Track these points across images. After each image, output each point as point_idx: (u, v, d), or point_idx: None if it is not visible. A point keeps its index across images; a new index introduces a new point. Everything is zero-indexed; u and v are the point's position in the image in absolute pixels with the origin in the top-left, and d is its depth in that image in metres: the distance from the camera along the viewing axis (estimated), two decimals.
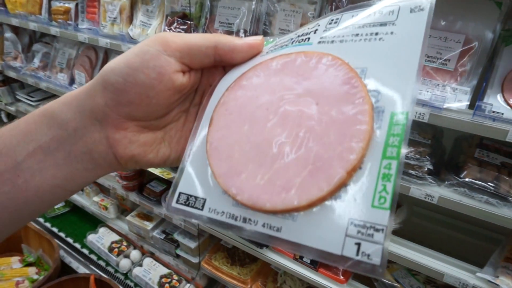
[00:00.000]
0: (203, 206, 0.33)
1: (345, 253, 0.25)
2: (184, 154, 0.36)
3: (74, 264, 1.97)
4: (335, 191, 0.26)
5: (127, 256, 1.95)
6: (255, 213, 0.30)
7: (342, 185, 0.26)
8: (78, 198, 2.23)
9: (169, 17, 1.35)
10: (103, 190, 2.21)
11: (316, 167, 0.27)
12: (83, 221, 2.25)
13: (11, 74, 2.07)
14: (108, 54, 1.76)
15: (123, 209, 2.15)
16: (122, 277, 1.89)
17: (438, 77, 0.90)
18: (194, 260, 1.69)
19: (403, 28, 0.30)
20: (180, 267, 1.81)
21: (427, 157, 0.95)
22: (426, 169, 0.96)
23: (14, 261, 2.07)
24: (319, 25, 0.36)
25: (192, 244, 1.66)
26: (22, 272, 2.00)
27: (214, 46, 0.35)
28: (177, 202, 0.34)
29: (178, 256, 1.79)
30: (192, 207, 0.33)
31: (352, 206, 0.26)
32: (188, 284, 1.75)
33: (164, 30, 1.35)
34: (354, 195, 0.26)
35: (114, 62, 0.33)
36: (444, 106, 0.87)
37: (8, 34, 2.00)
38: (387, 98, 0.28)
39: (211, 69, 0.40)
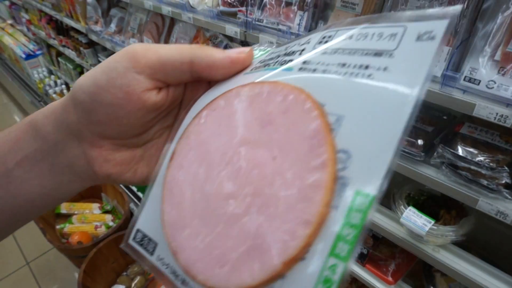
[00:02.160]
0: (153, 251, 0.30)
1: None
2: (150, 183, 0.32)
3: None
4: (268, 282, 0.22)
5: None
6: (190, 279, 0.26)
7: (277, 277, 0.22)
8: None
9: None
10: None
11: (255, 244, 0.23)
12: None
13: (93, 37, 2.21)
14: (174, 21, 1.76)
15: None
16: None
17: None
18: None
19: (400, 63, 0.22)
20: None
21: (506, 167, 0.78)
22: (503, 181, 0.79)
23: (95, 207, 2.36)
24: (309, 43, 0.29)
25: None
26: (100, 218, 2.26)
27: (189, 62, 0.30)
28: (133, 239, 0.32)
29: None
30: (145, 249, 0.30)
31: None
32: None
33: None
34: None
35: (83, 78, 0.31)
36: None
37: None
38: (356, 166, 0.21)
39: (195, 82, 0.34)
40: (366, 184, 0.20)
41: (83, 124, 0.31)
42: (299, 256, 0.21)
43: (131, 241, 0.32)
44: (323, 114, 0.23)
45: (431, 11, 0.22)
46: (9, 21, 4.16)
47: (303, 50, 0.29)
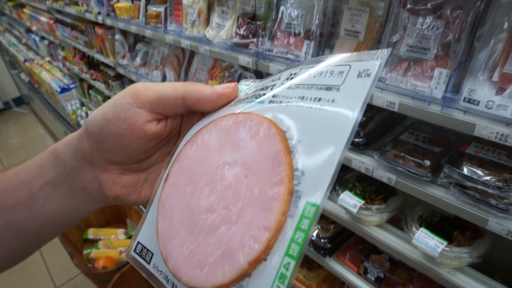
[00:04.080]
0: (150, 260, 0.34)
1: None
2: (149, 201, 0.37)
3: None
4: (237, 280, 0.26)
5: None
6: (178, 281, 0.30)
7: (245, 275, 0.25)
8: None
9: (240, 18, 1.36)
10: None
11: (228, 249, 0.27)
12: None
13: (121, 70, 2.36)
14: (194, 53, 1.87)
15: None
16: None
17: None
18: None
19: (345, 96, 0.27)
20: None
21: None
22: None
23: (120, 233, 2.43)
24: (279, 79, 0.35)
25: None
26: (125, 243, 2.33)
27: (182, 97, 0.35)
28: (134, 250, 0.36)
29: None
30: (143, 259, 0.35)
31: None
32: None
33: (236, 32, 1.36)
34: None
35: (95, 113, 0.36)
36: None
37: (117, 36, 2.28)
38: (308, 182, 0.26)
39: (190, 114, 0.39)
40: (313, 196, 0.25)
41: (94, 152, 0.36)
42: (262, 257, 0.25)
43: (132, 253, 0.36)
44: (284, 139, 0.28)
45: (369, 53, 0.28)
46: (47, 58, 4.50)
47: (274, 85, 0.35)
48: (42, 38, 4.34)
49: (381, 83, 0.92)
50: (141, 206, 2.46)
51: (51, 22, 3.46)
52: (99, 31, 2.46)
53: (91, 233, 2.41)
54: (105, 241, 2.34)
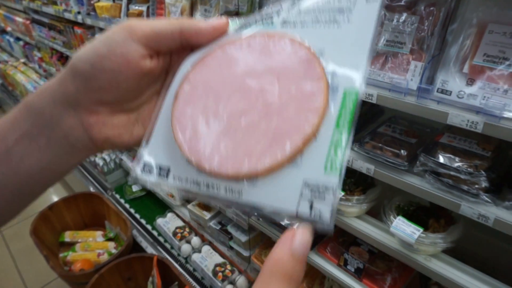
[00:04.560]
0: (167, 174, 0.35)
1: (299, 210, 0.28)
2: (149, 126, 0.38)
3: (144, 244, 2.17)
4: (292, 158, 0.29)
5: (188, 242, 2.08)
6: (217, 180, 0.32)
7: (298, 153, 0.29)
8: None
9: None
10: None
11: (275, 137, 0.30)
12: (156, 205, 2.45)
13: None
14: None
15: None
16: (183, 261, 2.03)
17: (500, 80, 0.77)
18: (245, 253, 1.74)
19: (358, 16, 0.33)
20: (234, 258, 1.87)
21: (483, 172, 0.82)
22: (482, 186, 0.83)
23: (98, 235, 2.38)
24: (281, 7, 0.38)
25: (243, 238, 1.70)
26: (103, 245, 2.28)
27: (179, 31, 0.36)
28: (142, 170, 0.36)
29: (231, 247, 1.85)
30: (159, 175, 0.36)
31: (307, 171, 0.28)
32: (240, 275, 1.81)
33: None
34: (309, 161, 0.29)
35: (82, 51, 0.35)
36: (504, 115, 0.74)
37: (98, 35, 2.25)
38: (342, 77, 0.31)
39: (180, 51, 0.40)
40: (351, 85, 0.30)
41: (81, 93, 0.35)
42: (312, 136, 0.29)
43: (140, 173, 0.36)
44: (309, 48, 0.33)
45: None
46: (22, 60, 4.38)
47: (278, 12, 0.37)
48: (17, 39, 4.23)
49: None
50: (121, 208, 2.42)
51: (27, 22, 3.39)
52: (78, 30, 2.43)
53: (68, 236, 2.35)
54: (83, 243, 2.28)
